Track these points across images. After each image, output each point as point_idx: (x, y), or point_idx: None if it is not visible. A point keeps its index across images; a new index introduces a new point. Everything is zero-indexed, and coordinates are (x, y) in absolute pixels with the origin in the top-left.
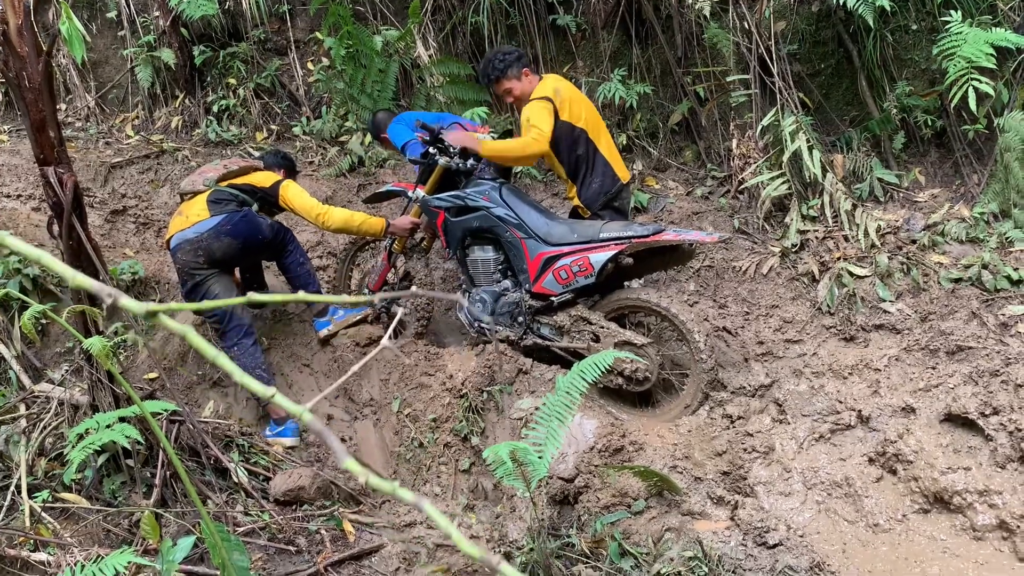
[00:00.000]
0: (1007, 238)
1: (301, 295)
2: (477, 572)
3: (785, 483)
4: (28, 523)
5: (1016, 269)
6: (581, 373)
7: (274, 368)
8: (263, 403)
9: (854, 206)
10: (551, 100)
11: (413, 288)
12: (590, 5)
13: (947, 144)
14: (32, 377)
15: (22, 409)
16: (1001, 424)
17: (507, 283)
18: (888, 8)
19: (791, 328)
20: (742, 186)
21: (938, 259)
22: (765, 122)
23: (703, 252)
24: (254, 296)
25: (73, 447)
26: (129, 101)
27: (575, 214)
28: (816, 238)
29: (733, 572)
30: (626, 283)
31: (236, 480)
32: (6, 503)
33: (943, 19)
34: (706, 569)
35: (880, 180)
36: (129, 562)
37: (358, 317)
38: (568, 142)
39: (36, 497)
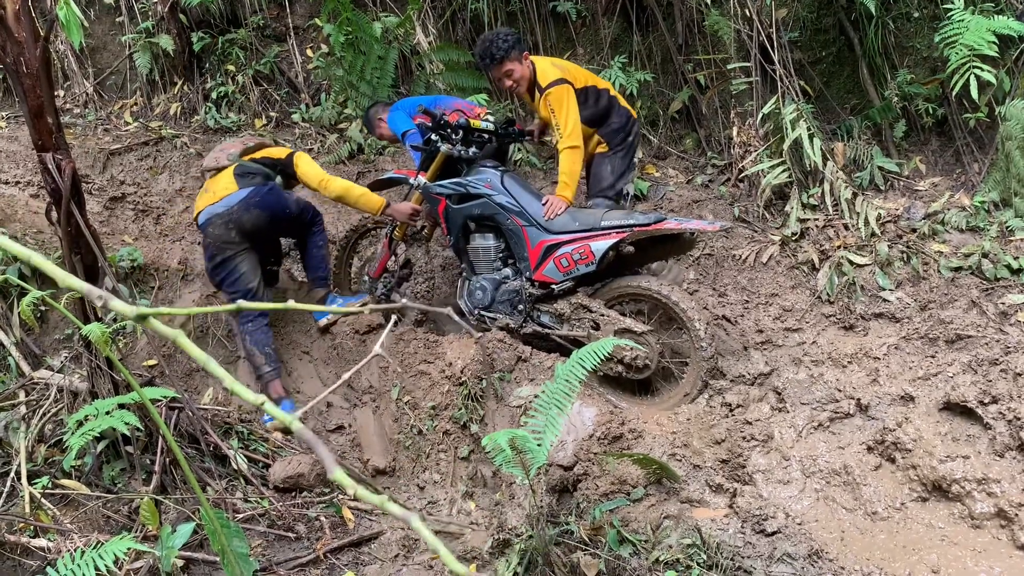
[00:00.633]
0: (1007, 227)
1: (291, 304)
2: (477, 559)
3: (784, 471)
4: (28, 509)
5: (1016, 258)
6: (580, 361)
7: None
8: (261, 383)
9: (854, 194)
10: (565, 80)
11: (404, 301)
12: None
13: (948, 132)
14: (31, 364)
15: (22, 396)
16: (1000, 413)
17: (508, 271)
18: None
19: (791, 316)
20: (742, 174)
21: (938, 248)
22: (766, 110)
23: (703, 240)
24: (244, 304)
25: (72, 434)
26: (128, 87)
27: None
28: (816, 226)
29: (731, 559)
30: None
31: (235, 467)
32: (6, 489)
33: (945, 6)
34: (704, 556)
35: (881, 168)
36: (129, 548)
37: (357, 306)
38: (592, 102)
39: (36, 483)
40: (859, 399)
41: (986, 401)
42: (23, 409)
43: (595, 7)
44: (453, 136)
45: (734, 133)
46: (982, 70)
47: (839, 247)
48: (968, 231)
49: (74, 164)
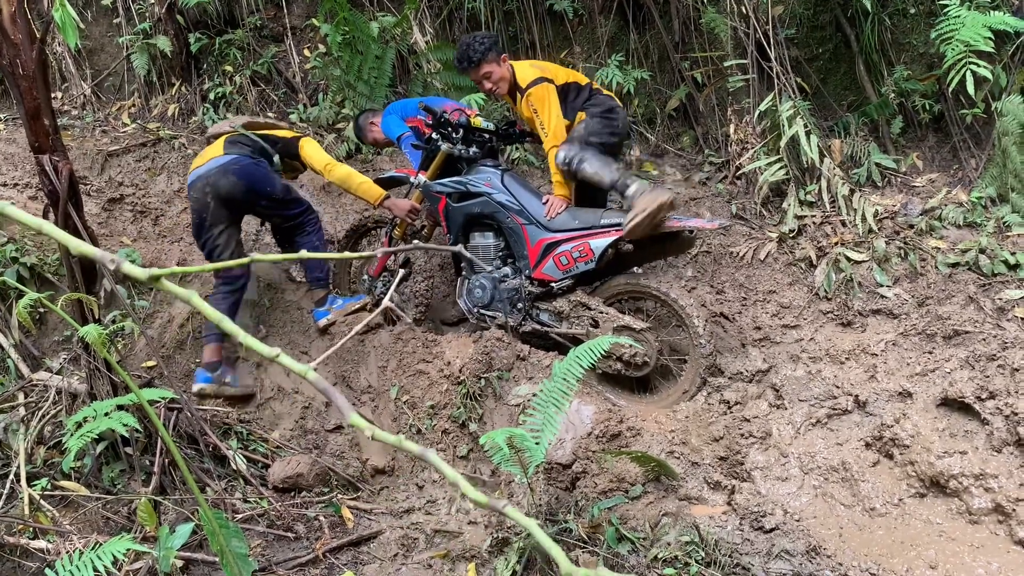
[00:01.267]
0: (1005, 222)
1: (303, 253)
2: (476, 557)
3: (782, 468)
4: (27, 511)
5: (1013, 254)
6: (578, 358)
7: None
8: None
9: (852, 191)
10: (545, 79)
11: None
12: None
13: (945, 128)
14: (30, 366)
15: (20, 398)
16: (997, 408)
17: (507, 269)
18: None
19: (788, 313)
20: (740, 171)
21: (935, 244)
22: (763, 107)
23: (701, 238)
24: (257, 256)
25: (71, 435)
26: (125, 89)
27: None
28: (814, 223)
29: (730, 556)
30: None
31: (234, 467)
32: (5, 491)
33: (941, 2)
34: (703, 553)
35: (878, 165)
36: (127, 549)
37: (357, 306)
38: (573, 97)
39: (35, 485)
40: (857, 395)
41: (983, 397)
42: (22, 411)
43: (592, 5)
44: (454, 135)
45: (731, 130)
46: (978, 66)
47: (836, 244)
48: (965, 227)
49: (71, 166)
